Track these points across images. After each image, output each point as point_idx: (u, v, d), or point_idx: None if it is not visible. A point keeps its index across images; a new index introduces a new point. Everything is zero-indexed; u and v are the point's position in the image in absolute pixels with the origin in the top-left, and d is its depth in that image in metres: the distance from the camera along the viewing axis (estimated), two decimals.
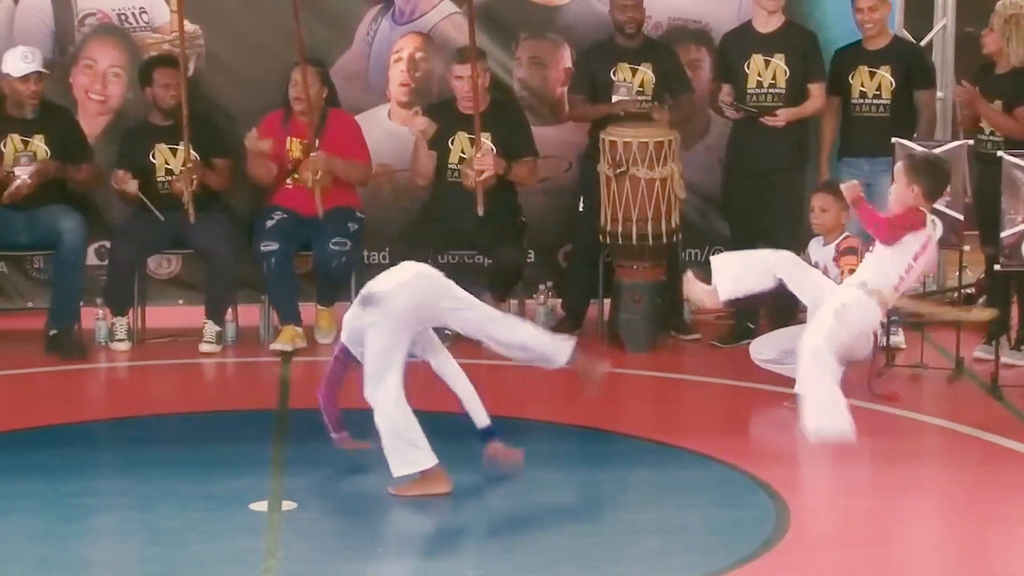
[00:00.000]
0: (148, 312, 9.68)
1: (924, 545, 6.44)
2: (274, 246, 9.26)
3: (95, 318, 9.43)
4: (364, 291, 6.92)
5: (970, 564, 6.32)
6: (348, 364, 7.05)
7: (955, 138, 9.56)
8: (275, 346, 9.27)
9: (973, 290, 9.76)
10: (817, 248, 8.24)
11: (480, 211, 9.18)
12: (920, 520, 6.69)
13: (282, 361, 9.11)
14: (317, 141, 9.31)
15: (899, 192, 7.43)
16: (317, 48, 9.59)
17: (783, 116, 9.26)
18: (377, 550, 6.37)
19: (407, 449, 6.73)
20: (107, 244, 9.57)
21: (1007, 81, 8.89)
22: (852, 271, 7.80)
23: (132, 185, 9.29)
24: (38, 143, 9.32)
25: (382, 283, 6.92)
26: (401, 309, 6.81)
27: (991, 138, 8.93)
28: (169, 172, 9.38)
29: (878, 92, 9.30)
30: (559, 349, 7.06)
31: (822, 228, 8.16)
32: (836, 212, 8.11)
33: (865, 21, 9.27)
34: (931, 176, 7.45)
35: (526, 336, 7.05)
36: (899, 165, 7.57)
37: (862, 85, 9.31)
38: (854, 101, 9.34)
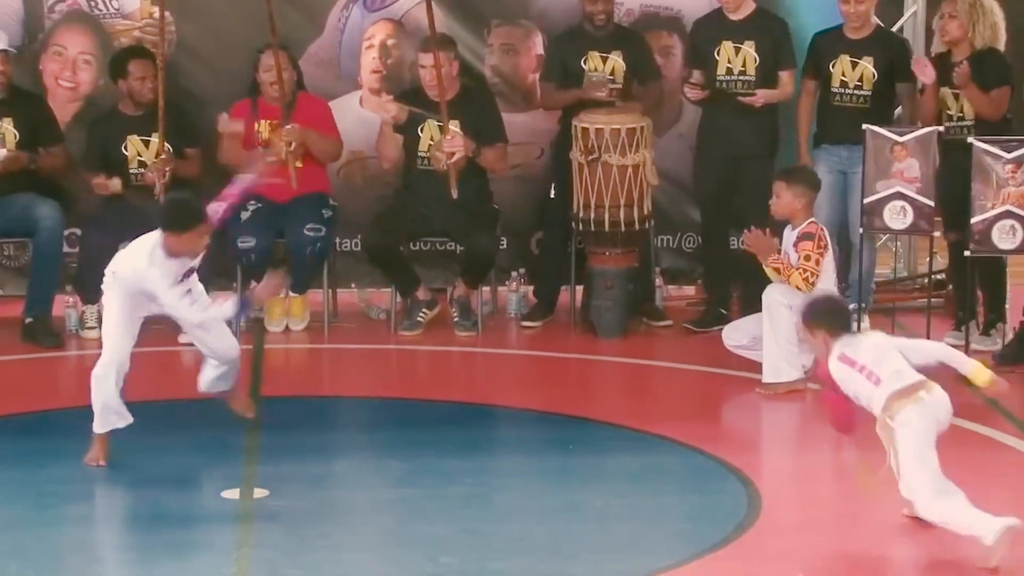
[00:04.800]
0: None
1: (894, 530, 6.46)
2: (251, 242, 9.20)
3: (65, 306, 9.40)
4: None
5: (940, 549, 6.34)
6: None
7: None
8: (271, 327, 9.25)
9: (944, 276, 9.79)
10: (787, 233, 8.27)
11: (454, 194, 9.14)
12: (890, 505, 6.70)
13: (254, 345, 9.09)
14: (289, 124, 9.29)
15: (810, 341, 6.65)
16: (288, 34, 9.55)
17: (761, 95, 9.23)
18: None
19: None
20: (78, 231, 9.54)
21: (971, 65, 8.86)
22: (808, 257, 7.94)
23: (116, 184, 9.24)
24: (7, 126, 9.26)
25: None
26: None
27: (958, 123, 8.91)
28: (142, 164, 9.31)
29: (860, 83, 9.20)
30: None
31: (776, 214, 8.21)
32: (789, 199, 8.14)
33: (852, 13, 9.18)
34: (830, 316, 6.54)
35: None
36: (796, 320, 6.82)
37: (843, 75, 9.22)
38: (834, 90, 9.24)
